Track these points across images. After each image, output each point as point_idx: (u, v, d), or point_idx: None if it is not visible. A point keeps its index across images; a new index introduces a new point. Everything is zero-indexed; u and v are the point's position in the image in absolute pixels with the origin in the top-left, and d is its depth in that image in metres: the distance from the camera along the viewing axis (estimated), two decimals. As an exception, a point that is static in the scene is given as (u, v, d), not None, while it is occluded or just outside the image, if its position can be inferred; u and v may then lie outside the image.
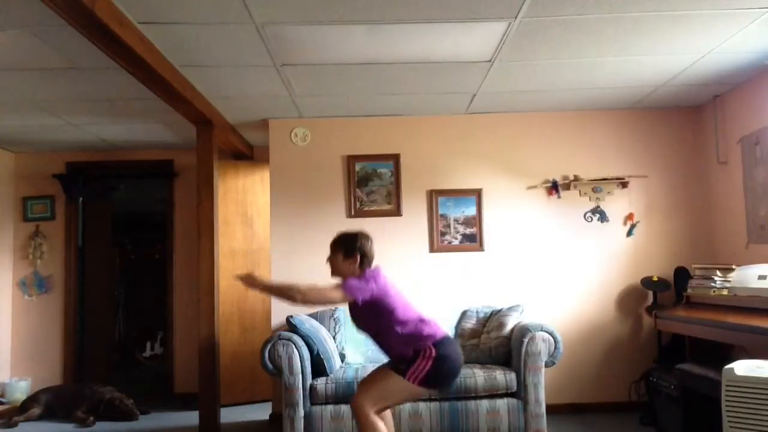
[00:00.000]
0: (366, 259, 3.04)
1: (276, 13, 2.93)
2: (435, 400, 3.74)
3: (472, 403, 3.74)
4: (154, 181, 6.28)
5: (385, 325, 2.94)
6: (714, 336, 3.45)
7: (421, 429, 3.70)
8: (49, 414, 4.92)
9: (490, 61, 3.69)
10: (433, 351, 2.87)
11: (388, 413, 3.13)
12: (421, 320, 2.99)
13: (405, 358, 2.89)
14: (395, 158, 4.82)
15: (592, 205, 4.82)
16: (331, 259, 3.07)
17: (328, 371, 3.81)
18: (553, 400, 4.53)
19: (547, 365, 3.81)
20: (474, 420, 3.71)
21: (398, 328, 2.92)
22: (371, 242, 3.10)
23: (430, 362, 2.85)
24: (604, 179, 4.81)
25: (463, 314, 4.45)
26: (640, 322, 4.76)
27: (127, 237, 9.23)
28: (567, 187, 4.83)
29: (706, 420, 3.60)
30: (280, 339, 3.75)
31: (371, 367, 3.90)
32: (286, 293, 2.86)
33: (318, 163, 4.84)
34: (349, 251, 3.03)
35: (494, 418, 3.72)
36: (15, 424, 4.74)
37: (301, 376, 3.70)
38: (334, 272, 3.07)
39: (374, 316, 2.96)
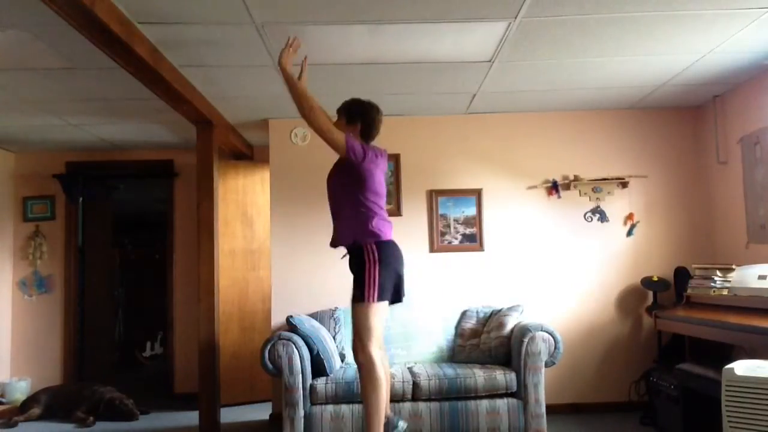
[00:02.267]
0: (368, 129, 3.06)
1: (276, 13, 2.93)
2: (435, 400, 3.74)
3: (472, 403, 3.73)
4: (154, 181, 6.28)
5: (350, 198, 3.01)
6: (714, 336, 3.45)
7: (421, 429, 3.69)
8: (49, 414, 4.92)
9: (490, 61, 3.69)
10: (376, 253, 2.96)
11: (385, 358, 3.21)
12: (377, 219, 3.03)
13: (349, 245, 3.02)
14: (395, 158, 4.81)
15: (592, 205, 4.82)
16: (335, 123, 3.07)
17: (328, 371, 3.81)
18: (553, 400, 4.53)
19: (547, 365, 3.81)
20: (474, 420, 3.71)
21: (358, 207, 3.00)
22: (379, 115, 3.10)
23: (375, 265, 2.94)
24: (604, 179, 4.81)
25: (463, 314, 4.45)
26: (640, 322, 4.76)
27: (127, 237, 9.23)
28: (567, 187, 4.83)
29: (706, 420, 3.60)
30: (280, 339, 3.75)
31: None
32: (302, 97, 2.86)
33: (318, 163, 4.83)
34: (353, 117, 3.06)
35: (494, 418, 3.72)
36: (15, 424, 4.75)
37: (301, 376, 3.70)
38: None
39: (348, 184, 3.02)
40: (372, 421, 2.95)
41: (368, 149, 3.07)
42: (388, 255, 3.02)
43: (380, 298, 2.97)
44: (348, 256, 3.13)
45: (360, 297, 2.98)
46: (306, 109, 2.87)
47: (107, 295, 6.64)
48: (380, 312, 3.02)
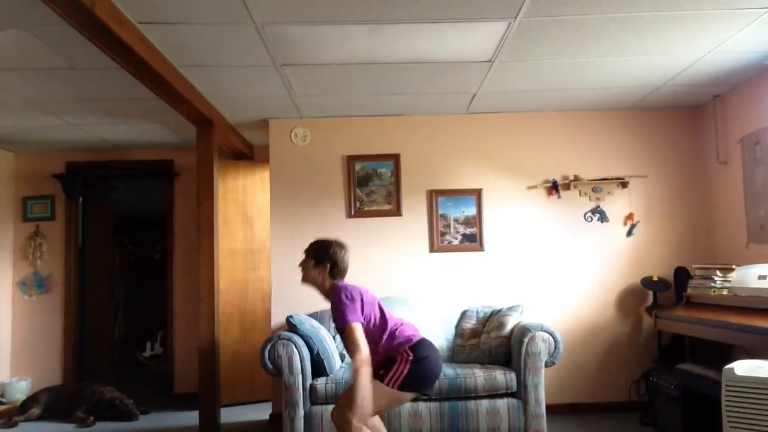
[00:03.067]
0: (337, 268, 3.00)
1: (276, 13, 2.93)
2: (435, 400, 3.74)
3: (472, 403, 3.73)
4: (154, 181, 6.28)
5: (371, 336, 2.92)
6: (714, 336, 3.45)
7: (421, 429, 3.69)
8: (49, 414, 4.92)
9: (490, 61, 3.69)
10: (411, 355, 2.87)
11: (377, 421, 3.11)
12: (399, 327, 2.99)
13: (382, 364, 2.90)
14: (395, 158, 4.82)
15: (592, 205, 4.82)
16: (303, 264, 3.05)
17: (328, 371, 3.81)
18: (553, 400, 4.53)
19: (547, 365, 3.81)
20: (474, 420, 3.71)
21: (378, 339, 2.92)
22: (345, 252, 3.04)
23: (407, 365, 2.85)
24: (604, 179, 4.81)
25: (463, 314, 4.45)
26: (640, 322, 4.76)
27: (127, 237, 9.24)
28: (567, 187, 4.83)
29: (706, 420, 3.61)
30: (280, 339, 3.75)
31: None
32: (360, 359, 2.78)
33: (318, 163, 4.84)
34: (320, 259, 3.00)
35: (494, 418, 3.72)
36: (15, 424, 4.75)
37: (301, 376, 3.70)
38: (305, 278, 3.04)
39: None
40: None
41: (352, 296, 2.91)
42: (423, 353, 2.91)
43: (401, 388, 2.84)
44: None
45: (379, 377, 2.85)
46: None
47: (107, 295, 6.64)
48: (392, 399, 2.91)
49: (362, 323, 2.88)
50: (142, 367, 8.05)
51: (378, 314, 2.99)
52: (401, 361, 2.86)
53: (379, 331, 2.96)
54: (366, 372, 2.75)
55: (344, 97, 4.36)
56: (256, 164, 5.62)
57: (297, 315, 4.11)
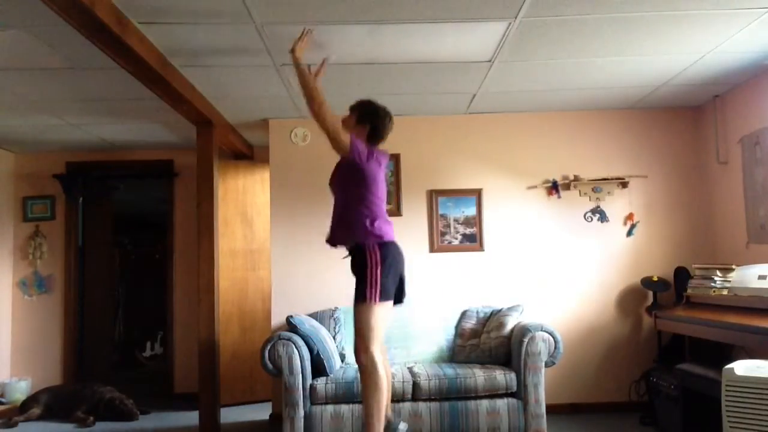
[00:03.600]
0: (376, 133, 3.07)
1: (276, 13, 2.93)
2: (435, 400, 3.74)
3: (472, 403, 3.73)
4: (154, 181, 6.28)
5: (352, 199, 3.01)
6: (714, 336, 3.45)
7: (421, 429, 3.69)
8: (49, 414, 4.92)
9: (490, 61, 3.69)
10: (378, 254, 2.95)
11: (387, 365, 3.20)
12: (379, 220, 3.04)
13: (351, 246, 3.01)
14: (395, 158, 4.81)
15: (592, 205, 4.82)
16: (345, 119, 3.09)
17: (328, 371, 3.81)
18: (553, 400, 4.53)
19: (547, 365, 3.81)
20: (474, 420, 3.71)
21: (360, 208, 3.00)
22: (390, 122, 3.11)
23: (377, 266, 2.93)
24: (604, 179, 4.81)
25: (463, 314, 4.45)
26: (640, 322, 4.76)
27: (127, 237, 9.24)
28: (567, 187, 4.83)
29: (706, 420, 3.61)
30: (280, 339, 3.75)
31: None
32: (313, 91, 2.87)
33: (318, 163, 4.83)
34: (364, 117, 3.07)
35: (494, 418, 3.72)
36: (15, 424, 4.75)
37: (301, 376, 3.70)
38: (339, 130, 3.02)
39: (351, 185, 3.02)
40: (372, 423, 2.94)
41: (371, 151, 3.07)
42: (390, 256, 3.02)
43: (382, 299, 2.96)
44: (349, 257, 3.12)
45: (362, 298, 2.96)
46: (316, 105, 2.87)
47: (107, 295, 6.64)
48: (383, 313, 3.01)
49: (352, 154, 2.94)
50: (142, 367, 8.06)
51: (383, 192, 3.06)
52: (371, 261, 2.93)
53: (364, 200, 3.01)
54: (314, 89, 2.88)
55: (344, 97, 4.35)
56: (256, 164, 5.62)
57: (297, 315, 4.11)
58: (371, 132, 3.07)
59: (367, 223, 3.00)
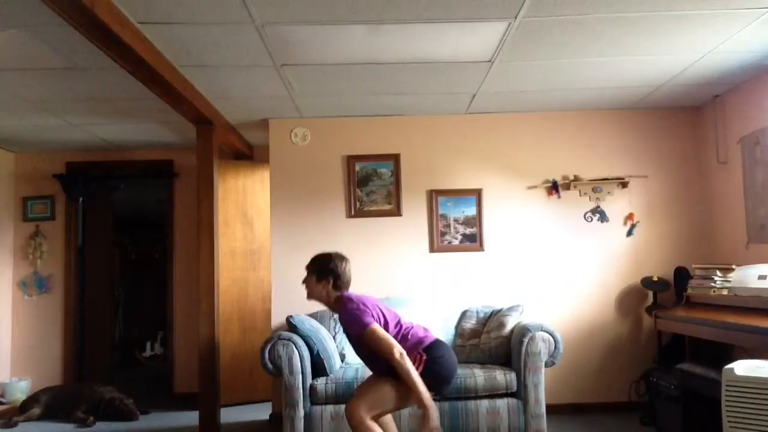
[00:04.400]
0: (340, 281, 2.99)
1: (276, 13, 2.93)
2: (435, 400, 3.72)
3: (472, 403, 3.73)
4: (154, 181, 6.28)
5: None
6: (714, 336, 3.45)
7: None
8: (49, 414, 4.92)
9: (490, 61, 3.69)
10: (424, 356, 2.86)
11: (389, 420, 3.12)
12: (411, 330, 2.99)
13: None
14: (395, 158, 4.82)
15: (592, 205, 4.82)
16: (306, 281, 3.05)
17: (328, 371, 3.81)
18: (553, 400, 4.53)
19: (547, 365, 3.81)
20: (474, 420, 3.71)
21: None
22: (347, 263, 3.04)
23: (422, 366, 2.84)
24: (604, 179, 4.81)
25: (463, 314, 4.45)
26: (640, 322, 4.76)
27: (127, 237, 9.24)
28: (567, 187, 4.83)
29: (706, 420, 3.61)
30: (280, 339, 3.75)
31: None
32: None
33: (318, 163, 4.84)
34: (322, 273, 3.00)
35: (494, 418, 3.72)
36: (15, 424, 4.75)
37: (301, 376, 3.70)
38: (310, 295, 3.04)
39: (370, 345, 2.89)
40: None
41: (365, 306, 2.90)
42: (437, 351, 2.91)
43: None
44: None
45: (396, 375, 2.79)
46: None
47: (107, 295, 6.64)
48: (407, 397, 2.84)
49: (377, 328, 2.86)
50: (142, 367, 8.06)
51: (385, 318, 2.98)
52: (415, 362, 2.84)
53: (396, 333, 2.94)
54: (409, 362, 2.74)
55: (344, 97, 4.36)
56: (256, 164, 5.62)
57: (297, 315, 4.11)
58: (335, 282, 2.99)
59: (403, 344, 2.89)
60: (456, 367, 2.99)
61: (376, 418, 2.85)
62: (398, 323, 3.02)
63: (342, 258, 3.06)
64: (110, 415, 4.85)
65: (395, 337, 2.92)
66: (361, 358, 3.04)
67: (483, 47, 3.45)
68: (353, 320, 2.86)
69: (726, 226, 4.56)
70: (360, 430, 2.77)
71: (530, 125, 4.88)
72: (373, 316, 2.89)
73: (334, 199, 4.81)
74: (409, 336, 2.97)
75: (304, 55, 3.50)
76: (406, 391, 2.81)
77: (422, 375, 2.80)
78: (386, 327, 2.94)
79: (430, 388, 2.85)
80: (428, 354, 2.88)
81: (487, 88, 4.21)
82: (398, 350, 2.77)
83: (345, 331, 2.99)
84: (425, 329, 3.07)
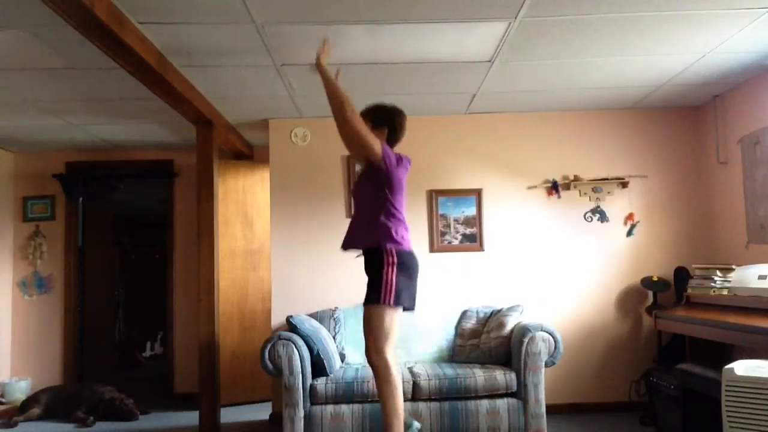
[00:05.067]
0: (395, 133, 3.06)
1: (276, 13, 2.93)
2: (435, 400, 3.74)
3: (472, 403, 3.73)
4: (154, 181, 6.28)
5: (377, 204, 2.98)
6: (714, 336, 3.45)
7: (420, 429, 3.69)
8: (49, 414, 4.92)
9: (490, 61, 3.69)
10: (396, 258, 2.94)
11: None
12: (401, 223, 3.05)
13: (370, 248, 2.98)
14: (395, 158, 4.81)
15: (592, 205, 4.82)
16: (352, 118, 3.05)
17: (328, 371, 3.81)
18: (553, 400, 4.53)
19: (547, 365, 3.81)
20: (474, 420, 3.71)
21: (384, 212, 2.98)
22: (404, 119, 3.10)
23: (393, 270, 2.92)
24: (604, 179, 4.81)
25: (463, 314, 4.45)
26: (640, 322, 4.76)
27: (127, 237, 9.24)
28: (567, 187, 4.83)
29: (706, 420, 3.61)
30: (280, 339, 3.75)
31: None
32: (345, 100, 2.84)
33: (318, 163, 4.84)
34: (380, 121, 3.06)
35: (494, 418, 3.72)
36: (15, 424, 4.74)
37: (301, 376, 3.70)
38: (352, 130, 2.96)
39: (378, 190, 2.99)
40: (391, 423, 2.94)
41: (399, 156, 3.06)
42: (408, 263, 3.02)
43: (396, 303, 2.95)
44: (363, 258, 3.09)
45: (376, 299, 2.94)
46: (348, 110, 2.83)
47: (107, 295, 6.64)
48: (396, 316, 3.00)
49: (383, 163, 2.93)
50: (142, 367, 8.06)
51: (404, 198, 3.05)
52: (388, 264, 2.93)
53: (388, 205, 3.00)
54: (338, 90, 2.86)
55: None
56: (256, 164, 5.62)
57: (297, 315, 4.11)
58: (390, 133, 3.06)
59: (390, 227, 2.98)
60: (416, 273, 3.09)
61: (390, 346, 2.95)
62: (400, 204, 3.05)
63: (401, 113, 3.12)
64: (110, 415, 4.85)
65: (390, 209, 2.99)
66: (356, 205, 3.14)
67: (483, 47, 3.45)
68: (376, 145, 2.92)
69: (726, 226, 4.56)
70: (386, 369, 2.90)
71: (530, 125, 4.88)
72: (388, 156, 2.94)
73: (334, 199, 4.81)
74: (398, 226, 3.02)
75: (304, 55, 3.50)
76: (391, 310, 2.94)
77: (396, 284, 2.93)
78: (393, 188, 3.00)
79: (400, 301, 2.96)
80: (398, 257, 2.96)
81: (487, 88, 4.21)
82: (354, 110, 2.86)
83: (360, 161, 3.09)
84: (408, 234, 3.10)
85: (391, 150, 3.03)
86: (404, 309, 3.05)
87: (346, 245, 3.11)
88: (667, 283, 4.57)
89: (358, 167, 4.81)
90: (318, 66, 2.91)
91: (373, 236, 2.99)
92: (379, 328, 2.95)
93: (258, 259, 5.51)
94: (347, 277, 4.63)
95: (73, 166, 5.87)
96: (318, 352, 3.79)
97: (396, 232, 3.00)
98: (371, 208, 3.02)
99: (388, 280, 2.92)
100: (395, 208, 3.02)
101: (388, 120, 3.08)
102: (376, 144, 2.93)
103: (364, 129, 2.88)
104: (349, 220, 4.71)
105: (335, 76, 2.98)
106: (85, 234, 5.90)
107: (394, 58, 3.59)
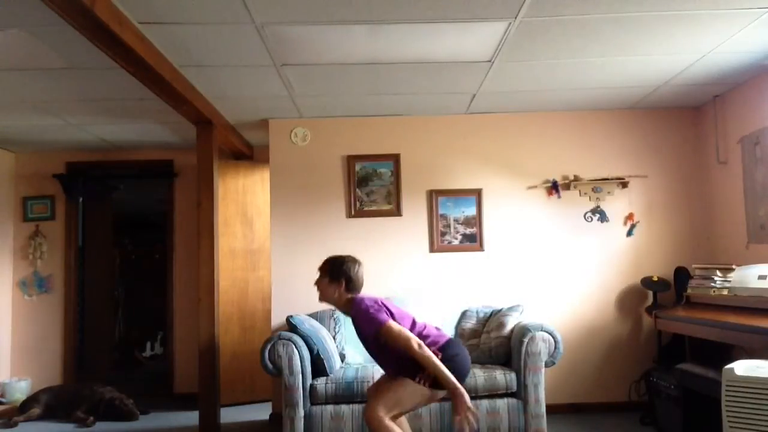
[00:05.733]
0: (352, 283, 3.01)
1: (276, 13, 2.93)
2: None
3: (472, 403, 3.72)
4: (154, 181, 6.28)
5: (396, 348, 2.87)
6: (714, 336, 3.45)
7: (420, 429, 3.69)
8: (49, 414, 4.92)
9: (490, 61, 3.69)
10: (440, 354, 2.85)
11: (404, 421, 3.13)
12: (424, 330, 2.99)
13: (410, 367, 2.86)
14: (395, 158, 4.81)
15: (592, 205, 4.82)
16: (318, 283, 3.06)
17: (328, 371, 3.81)
18: (553, 400, 4.53)
19: (547, 365, 3.81)
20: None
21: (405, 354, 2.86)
22: (359, 266, 3.06)
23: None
24: (604, 179, 4.81)
25: (463, 314, 4.45)
26: (640, 322, 4.76)
27: (127, 237, 9.24)
28: (567, 187, 4.83)
29: (706, 420, 3.61)
30: (280, 339, 3.75)
31: (371, 367, 3.92)
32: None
33: (318, 163, 4.84)
34: (335, 275, 3.01)
35: (494, 418, 3.72)
36: (15, 424, 4.74)
37: (301, 376, 3.70)
38: (322, 297, 3.05)
39: (388, 341, 2.89)
40: None
41: (378, 306, 2.92)
42: (452, 349, 2.91)
43: (432, 386, 2.83)
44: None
45: (410, 375, 2.82)
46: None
47: (107, 295, 6.64)
48: (424, 397, 2.87)
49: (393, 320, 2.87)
50: (142, 367, 8.05)
51: (409, 317, 3.00)
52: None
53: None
54: (428, 351, 2.75)
55: (344, 97, 4.36)
56: (256, 164, 5.62)
57: (297, 315, 4.11)
58: (347, 284, 3.00)
59: (423, 347, 2.85)
60: (469, 363, 2.99)
61: (394, 419, 2.86)
62: (413, 322, 3.01)
63: (355, 261, 3.07)
64: (110, 415, 4.85)
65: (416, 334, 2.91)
66: (373, 357, 3.04)
67: (483, 47, 3.45)
68: (368, 320, 2.87)
69: (726, 226, 4.56)
70: (379, 426, 2.78)
71: (530, 125, 4.88)
72: (385, 314, 2.89)
73: (334, 199, 4.81)
74: (425, 334, 2.96)
75: (304, 55, 3.50)
76: (420, 390, 2.82)
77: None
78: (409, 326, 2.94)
79: (441, 385, 2.83)
80: (443, 353, 2.88)
81: (487, 88, 4.21)
82: (416, 341, 2.77)
83: (359, 332, 2.99)
84: (438, 329, 3.07)
85: (376, 313, 2.87)
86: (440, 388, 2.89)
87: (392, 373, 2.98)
88: (667, 283, 4.56)
89: (358, 167, 4.81)
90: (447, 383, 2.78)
91: (413, 364, 2.83)
92: (396, 397, 2.82)
93: (258, 259, 5.51)
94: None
95: (73, 166, 5.87)
96: (318, 352, 3.79)
97: (428, 341, 2.89)
98: (395, 351, 2.87)
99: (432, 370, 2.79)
100: (414, 331, 2.93)
101: (343, 273, 3.00)
102: (404, 333, 2.82)
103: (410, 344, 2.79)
104: (349, 221, 4.79)
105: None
106: (85, 234, 5.90)
107: (394, 58, 3.59)
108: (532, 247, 4.81)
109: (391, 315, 2.93)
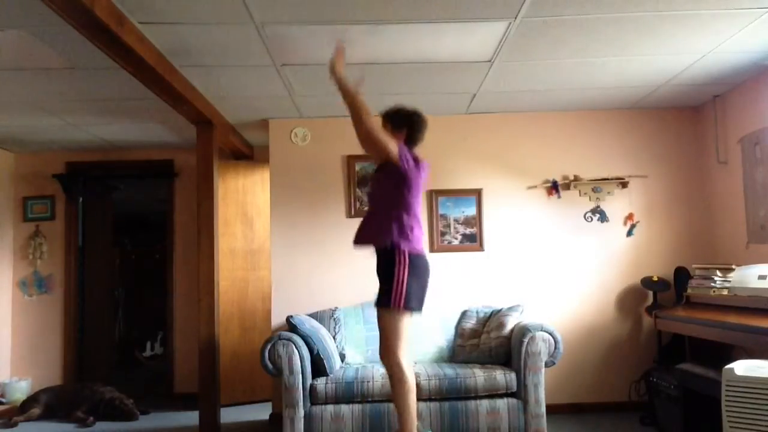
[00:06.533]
0: (414, 135, 3.09)
1: (276, 13, 2.93)
2: (435, 400, 3.74)
3: (472, 403, 3.73)
4: (154, 181, 6.28)
5: (392, 201, 2.98)
6: (714, 336, 3.45)
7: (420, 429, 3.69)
8: (49, 414, 4.92)
9: (490, 61, 3.69)
10: (407, 258, 2.94)
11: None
12: (416, 226, 3.05)
13: (382, 248, 2.98)
14: (395, 158, 4.81)
15: (592, 205, 4.82)
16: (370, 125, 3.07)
17: (328, 371, 3.81)
18: (553, 400, 4.54)
19: (547, 365, 3.81)
20: (474, 420, 3.71)
21: (399, 212, 2.98)
22: (425, 123, 3.13)
23: (405, 271, 2.92)
24: (604, 179, 4.81)
25: (463, 314, 4.45)
26: (640, 322, 4.76)
27: (127, 237, 9.24)
28: (567, 187, 4.83)
29: (706, 420, 3.61)
30: (280, 339, 3.75)
31: (371, 367, 3.92)
32: (361, 104, 2.87)
33: (318, 163, 4.84)
34: (400, 123, 3.08)
35: (494, 418, 3.72)
36: (15, 424, 4.75)
37: (301, 376, 3.70)
38: (369, 133, 2.99)
39: (392, 188, 3.00)
40: (406, 422, 2.96)
41: (416, 159, 3.07)
42: (420, 266, 3.02)
43: (406, 306, 2.95)
44: (376, 258, 3.09)
45: (386, 302, 2.96)
46: (364, 114, 2.87)
47: (107, 295, 6.64)
48: (407, 317, 3.00)
49: (399, 163, 2.95)
50: (142, 367, 8.06)
51: (419, 201, 3.06)
52: (400, 264, 2.93)
53: (404, 204, 3.00)
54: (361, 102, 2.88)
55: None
56: (256, 164, 5.62)
57: (297, 315, 4.11)
58: (409, 135, 3.09)
59: (404, 225, 2.99)
60: (426, 285, 3.07)
61: (404, 349, 2.98)
62: (415, 208, 3.05)
63: (420, 115, 3.14)
64: (110, 415, 4.85)
65: (405, 211, 2.99)
66: (371, 203, 3.16)
67: (483, 47, 3.45)
68: (388, 150, 2.95)
69: (726, 226, 4.56)
70: (399, 369, 2.92)
71: (530, 125, 4.88)
72: (405, 156, 2.97)
73: (334, 199, 4.81)
74: (413, 228, 3.01)
75: (304, 55, 3.50)
76: (400, 313, 2.94)
77: (407, 288, 2.93)
78: (410, 191, 3.01)
79: (411, 305, 2.96)
80: (411, 260, 2.96)
81: (487, 88, 4.22)
82: (369, 115, 2.88)
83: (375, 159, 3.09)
84: (422, 239, 3.11)
85: (409, 152, 3.05)
86: (411, 311, 3.03)
87: (358, 240, 3.11)
88: (667, 283, 4.57)
89: (358, 167, 4.81)
90: (333, 72, 2.92)
91: (386, 233, 2.98)
92: (391, 330, 2.97)
93: (258, 259, 5.51)
94: (347, 277, 4.63)
95: (73, 166, 5.87)
96: (318, 352, 3.79)
97: (411, 231, 3.00)
98: (386, 205, 3.03)
99: (399, 280, 2.93)
100: (411, 208, 3.02)
101: (406, 122, 3.11)
102: (391, 143, 2.96)
103: (378, 130, 2.91)
104: (349, 221, 4.79)
105: (360, 81, 3.01)
106: (85, 234, 5.90)
107: (394, 58, 3.59)
108: (532, 247, 4.81)
109: (409, 171, 2.99)
